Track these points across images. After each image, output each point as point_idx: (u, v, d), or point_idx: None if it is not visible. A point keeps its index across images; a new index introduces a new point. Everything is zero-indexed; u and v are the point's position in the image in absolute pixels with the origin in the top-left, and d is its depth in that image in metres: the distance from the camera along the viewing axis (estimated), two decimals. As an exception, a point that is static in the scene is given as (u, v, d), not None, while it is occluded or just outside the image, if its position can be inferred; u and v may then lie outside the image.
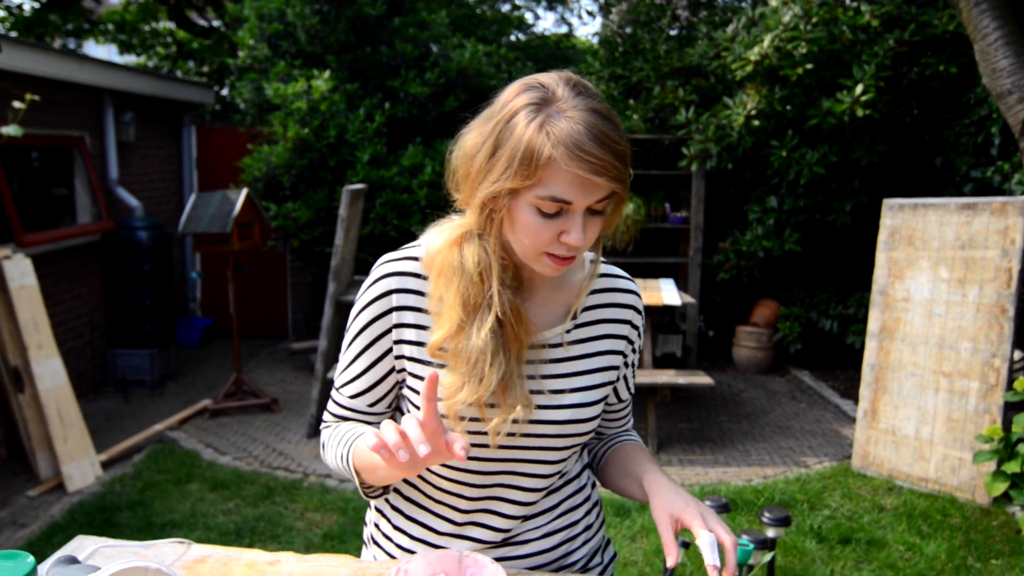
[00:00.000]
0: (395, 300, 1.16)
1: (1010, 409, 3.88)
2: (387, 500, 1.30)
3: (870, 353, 4.47)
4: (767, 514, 2.94)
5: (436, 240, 1.18)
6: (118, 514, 3.77)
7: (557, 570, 1.27)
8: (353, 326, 1.20)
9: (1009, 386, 3.86)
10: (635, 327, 1.28)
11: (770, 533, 2.91)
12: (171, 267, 6.25)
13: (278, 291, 7.55)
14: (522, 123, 1.04)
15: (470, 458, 1.17)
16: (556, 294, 1.23)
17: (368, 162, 5.88)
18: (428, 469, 1.22)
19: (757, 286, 6.58)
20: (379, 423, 1.23)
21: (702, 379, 4.85)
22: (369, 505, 1.37)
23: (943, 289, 4.17)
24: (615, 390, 1.31)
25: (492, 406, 1.13)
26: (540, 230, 1.07)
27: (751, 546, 2.57)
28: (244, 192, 5.27)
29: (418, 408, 1.17)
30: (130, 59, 10.85)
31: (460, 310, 1.12)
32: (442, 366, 1.15)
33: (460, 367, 1.12)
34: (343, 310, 5.25)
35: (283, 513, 3.83)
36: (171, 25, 10.79)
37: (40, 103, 4.31)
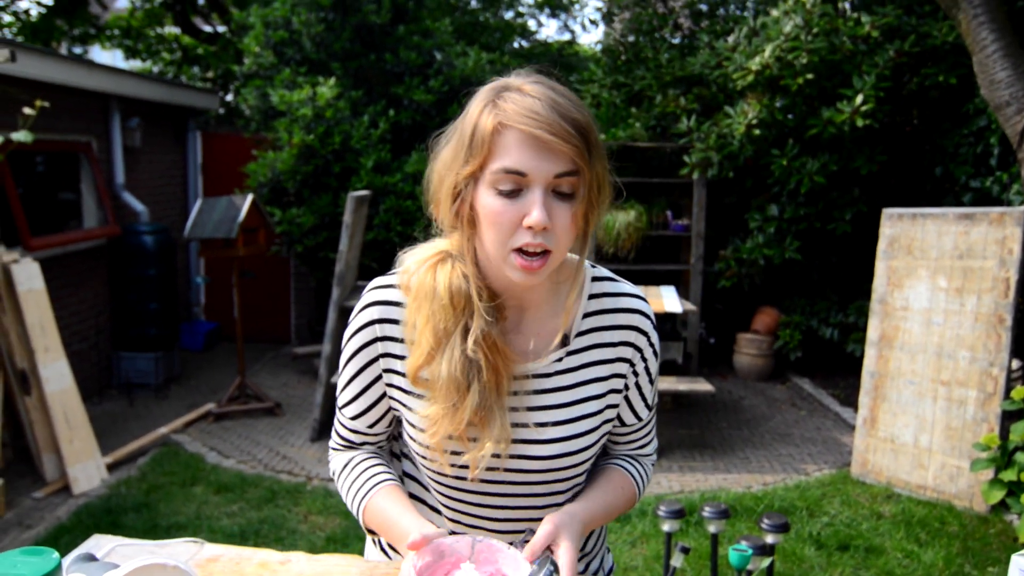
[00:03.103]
0: (378, 330, 1.15)
1: (1008, 418, 3.92)
2: None
3: (869, 361, 4.50)
4: (766, 520, 2.97)
5: (413, 262, 1.14)
6: (124, 516, 3.81)
7: None
8: (344, 352, 1.19)
9: (1007, 395, 3.90)
10: (638, 348, 1.19)
11: (769, 539, 2.95)
12: (175, 272, 6.31)
13: (281, 296, 7.59)
14: (474, 107, 1.05)
15: (467, 490, 1.18)
16: (551, 321, 1.16)
17: (372, 168, 5.93)
18: (431, 507, 1.26)
19: (758, 294, 6.61)
20: (383, 444, 1.28)
21: (703, 386, 4.89)
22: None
23: (941, 298, 4.21)
24: (619, 415, 1.22)
25: (474, 441, 1.10)
26: (501, 214, 1.01)
27: (749, 551, 2.60)
28: (249, 197, 5.32)
29: (412, 439, 1.17)
30: (135, 64, 10.92)
31: (430, 337, 1.08)
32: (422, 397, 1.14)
33: (438, 396, 1.09)
34: (347, 315, 5.29)
35: (287, 516, 3.87)
36: (176, 31, 10.86)
37: (48, 109, 4.36)
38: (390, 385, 1.18)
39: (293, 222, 6.08)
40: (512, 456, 1.13)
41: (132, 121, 6.25)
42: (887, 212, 4.49)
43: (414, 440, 1.17)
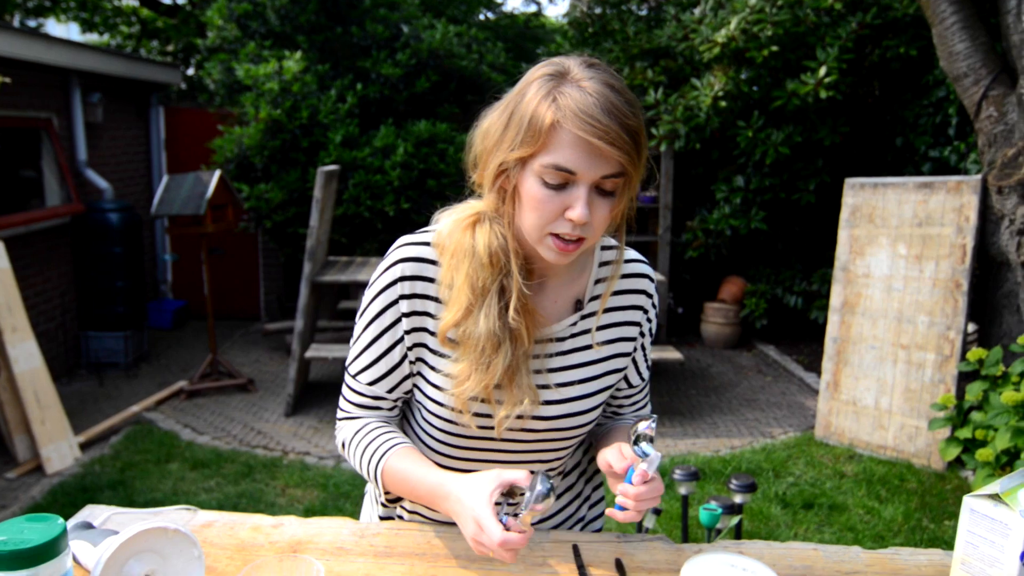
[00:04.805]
0: (407, 287, 1.16)
1: (963, 379, 4.07)
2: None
3: (832, 327, 4.63)
4: (734, 481, 3.07)
5: (449, 222, 1.17)
6: (99, 494, 3.81)
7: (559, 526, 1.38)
8: (366, 313, 1.19)
9: (963, 357, 4.04)
10: (646, 311, 1.28)
11: (737, 499, 3.05)
12: (142, 249, 6.23)
13: (250, 272, 7.54)
14: (532, 92, 1.06)
15: (479, 448, 1.24)
16: (568, 288, 1.22)
17: (340, 143, 5.90)
18: (441, 463, 1.27)
19: (724, 264, 6.73)
20: (396, 411, 1.27)
21: (672, 354, 4.99)
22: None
23: (901, 265, 4.34)
24: (626, 377, 1.30)
25: (499, 402, 1.15)
26: (545, 203, 1.05)
27: (719, 511, 2.70)
28: (217, 173, 5.27)
29: (433, 400, 1.20)
30: (92, 37, 10.66)
31: (468, 293, 1.12)
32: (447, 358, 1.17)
33: (468, 354, 1.13)
34: (318, 291, 5.30)
35: (264, 490, 3.90)
36: (134, 3, 10.61)
37: (6, 84, 4.28)
38: (418, 345, 1.18)
39: (261, 198, 6.03)
40: (535, 417, 1.19)
41: (93, 96, 6.13)
42: (849, 182, 4.60)
43: (436, 402, 1.19)
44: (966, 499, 1.02)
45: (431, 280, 1.16)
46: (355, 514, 3.65)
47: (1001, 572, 0.99)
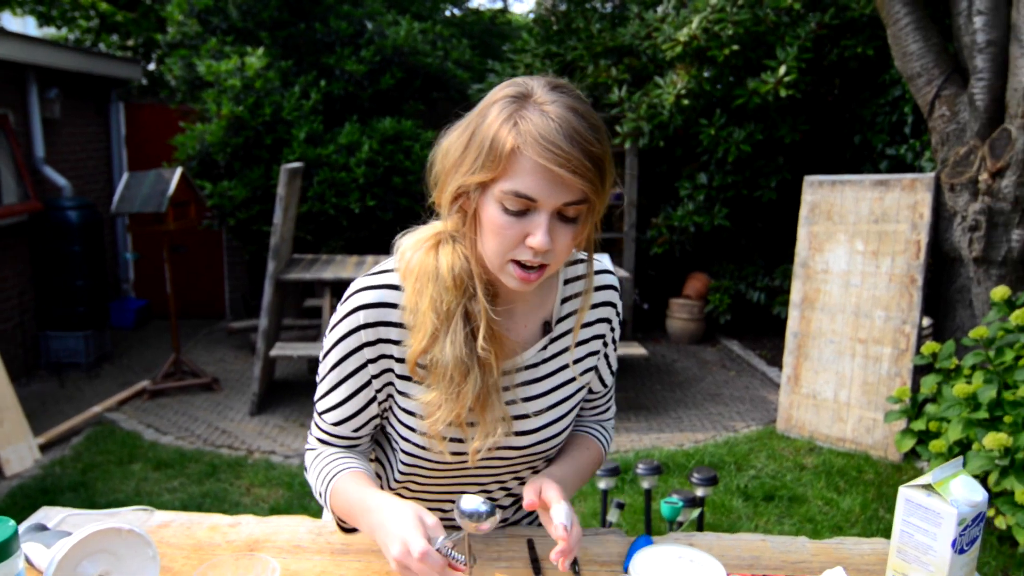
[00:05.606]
0: (370, 334, 1.12)
1: (919, 372, 4.17)
2: None
3: (793, 322, 4.72)
4: (696, 474, 3.12)
5: (411, 246, 1.15)
6: (60, 496, 3.76)
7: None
8: (329, 357, 1.16)
9: (918, 351, 4.14)
10: (610, 321, 1.27)
11: (699, 492, 3.10)
12: (103, 248, 6.14)
13: (214, 270, 7.46)
14: (493, 115, 1.02)
15: (454, 477, 1.22)
16: (537, 312, 1.20)
17: (304, 140, 5.86)
18: (413, 486, 1.27)
19: (689, 260, 6.81)
20: (362, 446, 1.24)
21: (637, 350, 5.04)
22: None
23: (859, 261, 4.43)
24: (591, 381, 1.30)
25: (472, 424, 1.13)
26: (505, 230, 1.02)
27: (680, 504, 2.74)
28: (179, 171, 5.21)
29: (403, 437, 1.19)
30: (49, 32, 10.44)
31: (433, 318, 1.08)
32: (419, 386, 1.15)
33: (437, 383, 1.10)
34: (283, 289, 5.27)
35: (229, 490, 3.88)
36: (93, -4, 10.40)
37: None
38: (388, 384, 1.17)
39: (224, 195, 5.97)
40: (510, 438, 1.18)
41: (51, 92, 6.02)
42: (808, 179, 4.68)
43: (408, 440, 1.18)
44: (902, 489, 1.06)
45: (393, 324, 1.13)
46: (320, 512, 3.64)
47: (934, 559, 1.03)
